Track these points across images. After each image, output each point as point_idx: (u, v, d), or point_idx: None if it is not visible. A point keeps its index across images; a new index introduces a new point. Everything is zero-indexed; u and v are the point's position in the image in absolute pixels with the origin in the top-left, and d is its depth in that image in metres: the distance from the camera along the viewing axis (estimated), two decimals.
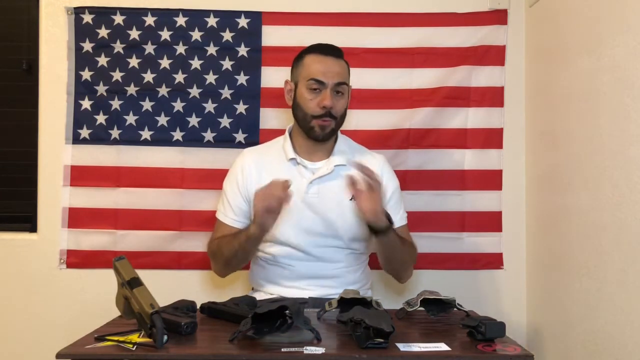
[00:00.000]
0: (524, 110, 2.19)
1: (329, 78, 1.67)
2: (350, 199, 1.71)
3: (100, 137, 2.15)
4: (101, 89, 2.15)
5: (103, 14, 2.15)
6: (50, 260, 2.14)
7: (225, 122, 2.16)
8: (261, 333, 1.28)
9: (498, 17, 2.18)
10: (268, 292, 1.73)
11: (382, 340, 1.22)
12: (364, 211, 1.53)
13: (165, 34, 2.15)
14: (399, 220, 1.76)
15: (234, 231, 1.70)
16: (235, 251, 1.65)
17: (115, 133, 2.15)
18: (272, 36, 2.16)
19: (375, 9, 2.17)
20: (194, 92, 2.15)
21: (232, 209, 1.75)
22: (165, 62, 2.15)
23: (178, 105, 2.15)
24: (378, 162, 1.79)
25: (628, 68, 1.47)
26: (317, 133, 1.69)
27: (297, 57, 1.76)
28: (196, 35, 2.15)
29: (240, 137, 2.15)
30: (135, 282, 1.28)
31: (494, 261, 2.19)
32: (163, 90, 2.15)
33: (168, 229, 2.14)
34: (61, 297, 2.14)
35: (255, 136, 2.15)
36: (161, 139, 2.15)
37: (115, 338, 1.28)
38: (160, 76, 2.15)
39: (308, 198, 1.70)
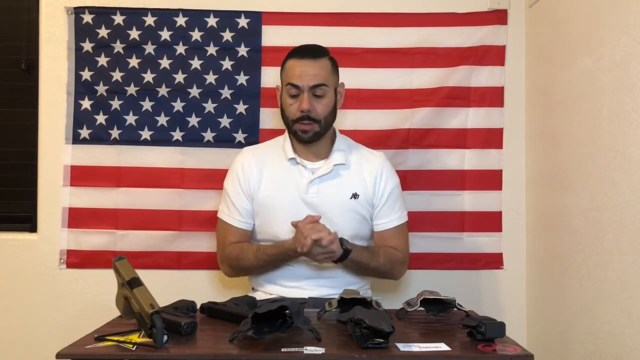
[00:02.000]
0: (524, 110, 2.19)
1: (305, 81, 1.66)
2: (351, 197, 1.71)
3: (100, 137, 2.15)
4: (101, 89, 2.15)
5: (103, 14, 2.15)
6: (50, 260, 2.14)
7: (225, 122, 2.16)
8: (261, 333, 1.28)
9: (498, 17, 2.18)
10: (268, 292, 1.73)
11: (382, 340, 1.22)
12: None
13: (165, 34, 2.15)
14: (396, 219, 1.77)
15: (255, 247, 1.71)
16: (261, 267, 1.71)
17: (115, 133, 2.15)
18: (272, 36, 2.16)
19: (375, 9, 2.17)
20: (194, 92, 2.15)
21: (238, 210, 1.75)
22: (165, 62, 2.15)
23: (178, 105, 2.16)
24: (377, 160, 1.79)
25: (628, 68, 1.47)
26: (299, 137, 1.70)
27: (282, 62, 1.76)
28: (196, 35, 2.16)
29: (240, 137, 2.15)
30: (135, 282, 1.28)
31: (494, 261, 2.19)
32: (163, 90, 2.15)
33: (168, 229, 2.14)
34: (61, 297, 2.14)
35: (255, 136, 2.15)
36: (161, 139, 2.15)
37: (115, 338, 1.28)
38: (160, 76, 2.15)
39: (308, 198, 1.70)
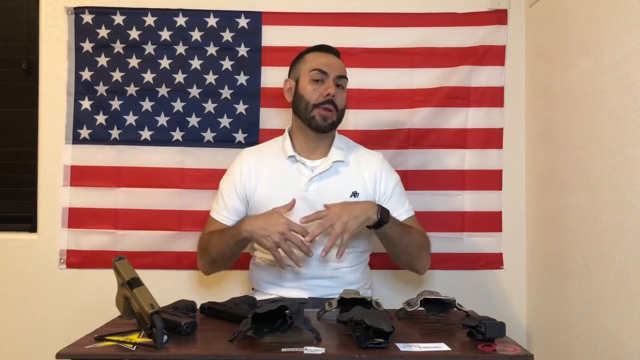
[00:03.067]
0: (524, 110, 2.19)
1: (332, 69, 1.70)
2: (351, 195, 1.71)
3: (100, 137, 2.15)
4: (101, 89, 2.15)
5: (103, 14, 2.15)
6: (50, 260, 2.14)
7: (225, 122, 2.16)
8: (261, 333, 1.28)
9: (498, 17, 2.18)
10: (268, 292, 1.73)
11: (382, 340, 1.22)
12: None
13: (165, 34, 2.15)
14: (404, 213, 1.76)
15: (221, 229, 1.70)
16: (222, 251, 1.66)
17: (115, 133, 2.15)
18: (272, 36, 2.16)
19: (375, 9, 2.17)
20: (194, 92, 2.15)
21: (227, 207, 1.75)
22: (165, 62, 2.15)
23: (178, 105, 2.16)
24: (376, 160, 1.79)
25: (628, 68, 1.47)
26: (318, 122, 1.69)
27: (296, 57, 1.78)
28: (196, 35, 2.16)
29: (240, 137, 2.15)
30: (135, 282, 1.28)
31: (494, 261, 2.19)
32: (163, 90, 2.15)
33: (168, 229, 2.14)
34: (61, 297, 2.14)
35: (255, 136, 2.15)
36: (161, 139, 2.15)
37: (115, 338, 1.28)
38: (160, 76, 2.15)
39: (308, 196, 1.70)
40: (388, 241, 1.67)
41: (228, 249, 1.65)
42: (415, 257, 1.74)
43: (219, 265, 1.76)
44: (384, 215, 1.58)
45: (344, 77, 1.73)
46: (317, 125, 1.70)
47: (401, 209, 1.76)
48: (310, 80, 1.70)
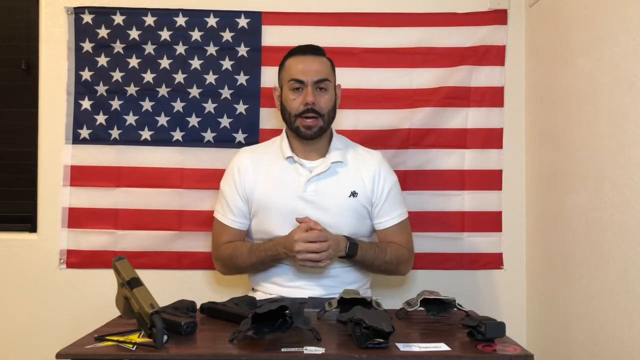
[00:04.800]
0: (524, 110, 2.19)
1: (309, 76, 1.68)
2: (350, 195, 1.71)
3: (100, 137, 2.15)
4: (101, 89, 2.15)
5: (103, 14, 2.15)
6: (50, 260, 2.14)
7: (225, 122, 2.16)
8: (261, 333, 1.28)
9: (498, 17, 2.18)
10: (268, 292, 1.73)
11: (382, 340, 1.22)
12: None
13: (165, 34, 2.15)
14: (395, 217, 1.77)
15: (249, 244, 1.74)
16: (254, 265, 1.72)
17: (115, 133, 2.15)
18: (272, 36, 2.16)
19: (375, 9, 2.17)
20: (194, 92, 2.15)
21: (231, 209, 1.76)
22: (165, 62, 2.15)
23: (178, 105, 2.16)
24: (375, 159, 1.80)
25: (628, 68, 1.47)
26: (302, 133, 1.70)
27: (280, 62, 1.78)
28: (196, 35, 2.16)
29: (240, 137, 2.15)
30: (135, 282, 1.29)
31: (493, 261, 2.19)
32: (163, 90, 2.15)
33: (168, 229, 2.14)
34: (61, 297, 2.14)
35: (255, 136, 2.15)
36: (161, 139, 2.15)
37: (115, 338, 1.28)
38: (160, 76, 2.15)
39: (306, 196, 1.70)
40: (360, 266, 1.73)
41: (263, 265, 1.72)
42: (392, 272, 1.81)
43: (248, 273, 1.82)
44: (351, 250, 1.64)
45: (324, 80, 1.70)
46: (303, 135, 1.71)
47: (393, 214, 1.77)
48: (290, 90, 1.70)
